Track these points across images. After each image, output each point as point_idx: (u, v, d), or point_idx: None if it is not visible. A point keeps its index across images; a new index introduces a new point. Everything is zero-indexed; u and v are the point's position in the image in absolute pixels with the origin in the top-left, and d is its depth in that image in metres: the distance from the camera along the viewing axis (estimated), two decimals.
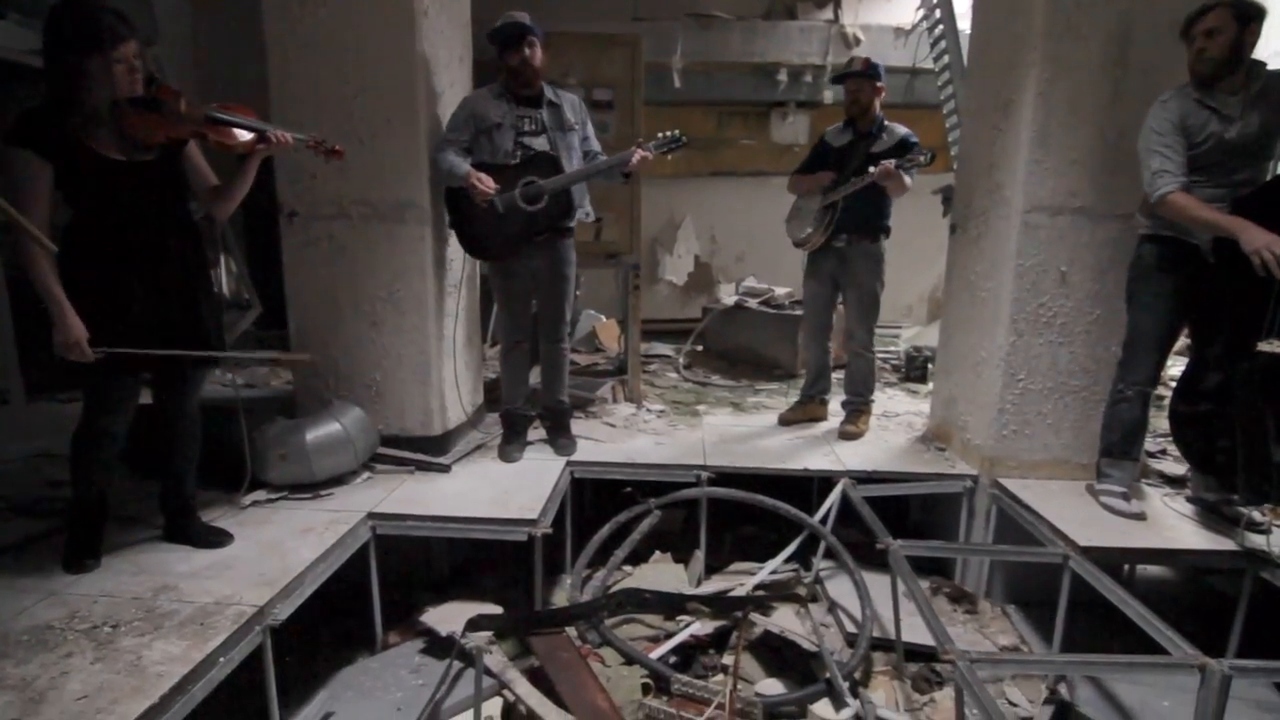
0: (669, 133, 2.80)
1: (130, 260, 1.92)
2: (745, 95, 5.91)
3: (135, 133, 1.87)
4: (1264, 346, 1.95)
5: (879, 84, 3.14)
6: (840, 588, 2.80)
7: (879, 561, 2.64)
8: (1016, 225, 2.65)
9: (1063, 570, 2.28)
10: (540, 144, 2.78)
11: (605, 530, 2.85)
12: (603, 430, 3.42)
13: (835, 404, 3.56)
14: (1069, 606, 2.34)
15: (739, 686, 2.15)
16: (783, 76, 5.72)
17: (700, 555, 2.94)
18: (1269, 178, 2.25)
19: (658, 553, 2.99)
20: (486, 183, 2.58)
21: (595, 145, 2.95)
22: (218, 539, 2.16)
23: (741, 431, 3.46)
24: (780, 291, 5.14)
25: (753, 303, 5.01)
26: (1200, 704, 1.69)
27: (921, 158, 2.94)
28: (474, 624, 2.23)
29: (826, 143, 3.32)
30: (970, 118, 3.19)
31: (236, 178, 2.10)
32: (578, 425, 3.34)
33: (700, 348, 5.35)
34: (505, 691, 2.16)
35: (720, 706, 2.02)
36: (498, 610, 2.43)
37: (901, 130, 3.14)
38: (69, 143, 1.80)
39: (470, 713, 1.98)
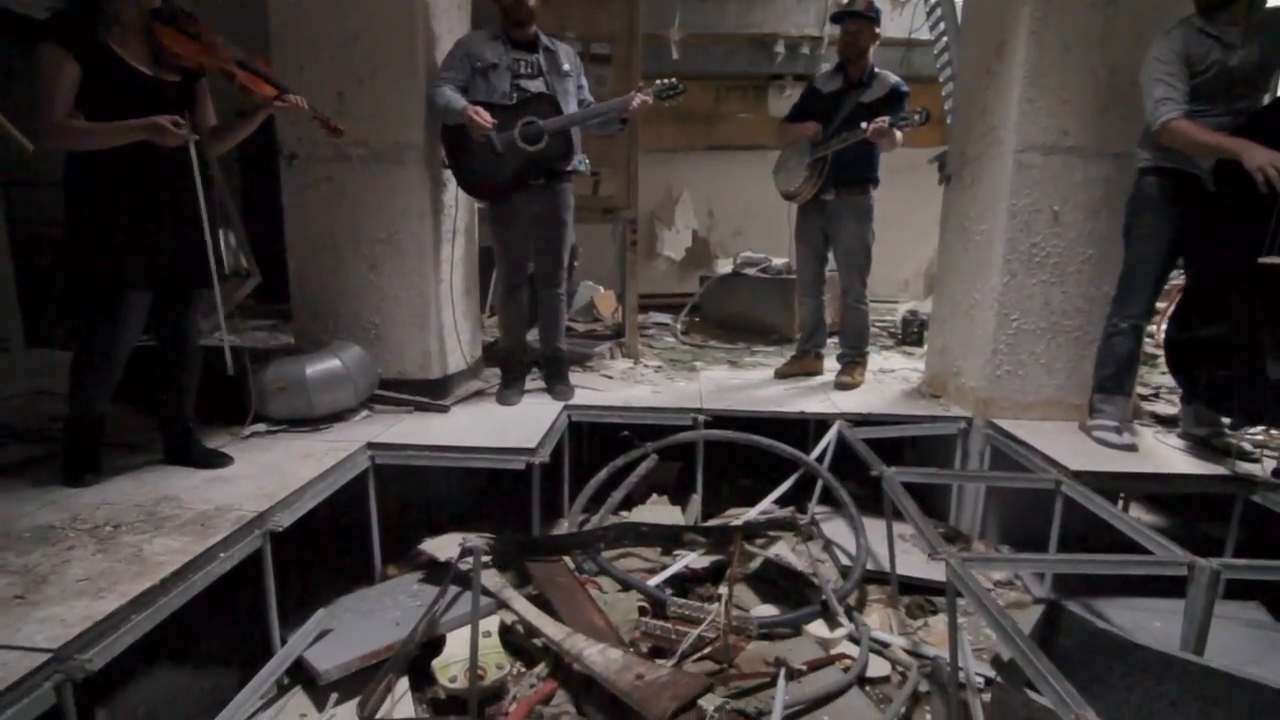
0: (668, 80, 2.83)
1: (151, 179, 1.95)
2: (742, 68, 5.94)
3: (171, 47, 1.90)
4: (1265, 260, 1.99)
5: (878, 29, 3.15)
6: (835, 529, 2.82)
7: (874, 509, 2.65)
8: (1009, 166, 2.67)
9: (1055, 496, 2.31)
10: (537, 87, 2.80)
11: (603, 474, 2.86)
12: (600, 381, 3.44)
13: (831, 361, 3.58)
14: (1062, 547, 2.36)
15: (734, 611, 2.17)
16: (780, 49, 5.75)
17: (697, 499, 2.96)
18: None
19: (654, 495, 3.01)
20: (484, 116, 2.60)
21: (589, 97, 2.98)
22: (218, 460, 2.18)
23: (738, 383, 3.49)
24: (778, 261, 5.16)
25: (750, 270, 5.03)
26: (1190, 603, 1.72)
27: (916, 116, 2.95)
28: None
29: (816, 88, 3.33)
30: (965, 65, 3.22)
31: (241, 122, 2.16)
32: (576, 378, 3.35)
33: (698, 318, 5.37)
34: (503, 615, 2.18)
35: (715, 623, 2.04)
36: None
37: (892, 79, 3.16)
38: (98, 46, 1.83)
39: (468, 628, 2.00)
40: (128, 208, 1.92)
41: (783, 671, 1.78)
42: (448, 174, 2.96)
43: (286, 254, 2.92)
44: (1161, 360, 3.82)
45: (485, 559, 2.20)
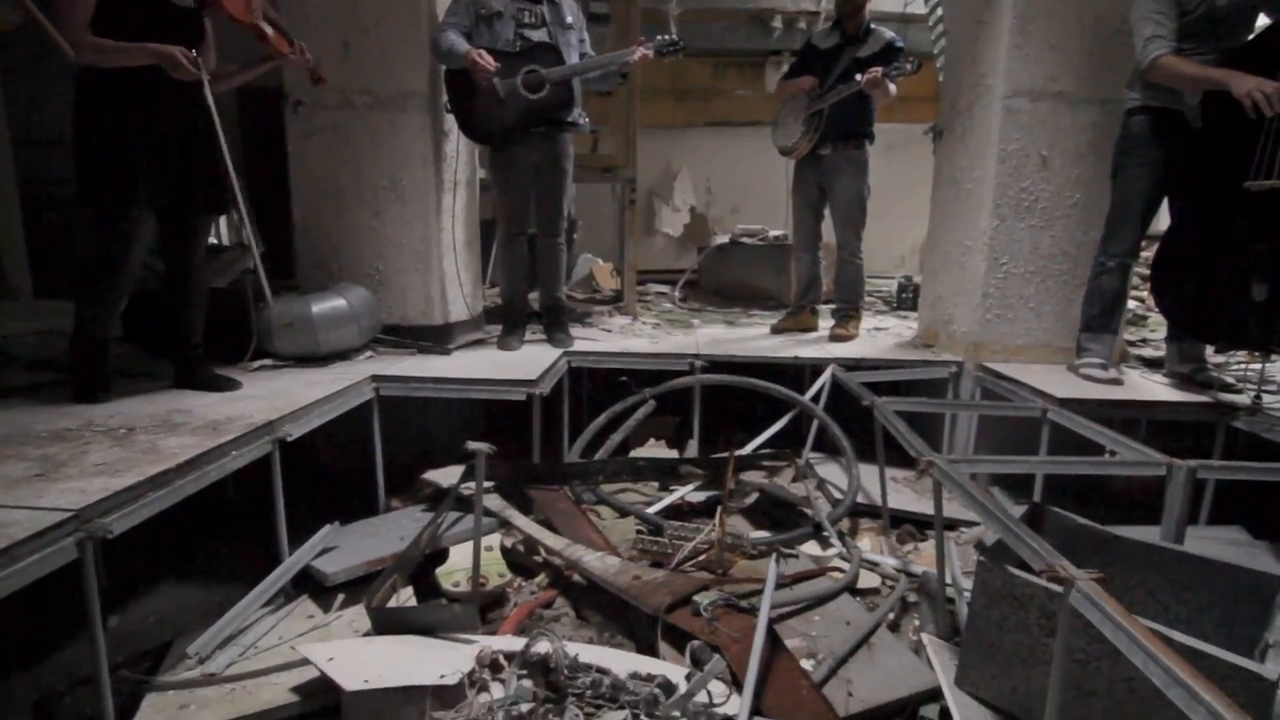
0: (668, 36, 2.89)
1: (159, 105, 2.00)
2: (740, 44, 6.00)
3: None
4: (1251, 185, 2.05)
5: None
6: (829, 471, 2.87)
7: (868, 458, 2.69)
8: (999, 112, 2.74)
9: (1042, 425, 2.37)
10: (540, 37, 2.87)
11: (601, 419, 2.92)
12: (600, 335, 3.50)
13: (826, 320, 3.63)
14: (1049, 480, 2.41)
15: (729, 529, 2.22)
16: (777, 24, 5.82)
17: (694, 444, 3.02)
18: None
19: (651, 441, 3.07)
20: (487, 60, 2.66)
21: (590, 51, 3.04)
22: (227, 383, 2.24)
23: (734, 336, 3.55)
24: (774, 233, 5.22)
25: (746, 240, 5.10)
26: (1168, 503, 1.78)
27: (908, 65, 3.02)
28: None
29: (813, 44, 3.40)
30: (955, 19, 3.29)
31: (245, 68, 2.25)
32: (575, 332, 3.40)
33: (696, 288, 5.43)
34: (504, 538, 2.24)
35: (710, 538, 2.10)
36: None
37: (888, 34, 3.23)
38: None
39: (470, 543, 2.05)
40: (136, 129, 1.97)
41: (774, 557, 1.84)
42: (450, 123, 3.02)
43: (291, 201, 2.98)
44: (1150, 321, 3.90)
45: (487, 485, 2.25)
